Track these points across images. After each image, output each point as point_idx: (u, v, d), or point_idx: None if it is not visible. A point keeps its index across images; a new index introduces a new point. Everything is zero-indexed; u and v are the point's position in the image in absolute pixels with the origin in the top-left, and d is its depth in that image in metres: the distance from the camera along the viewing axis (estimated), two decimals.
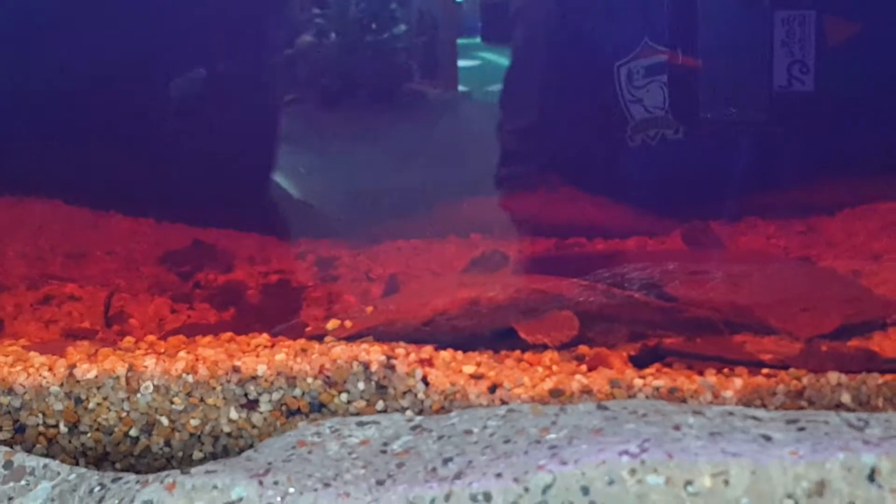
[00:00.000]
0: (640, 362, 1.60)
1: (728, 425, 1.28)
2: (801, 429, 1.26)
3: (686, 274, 1.80)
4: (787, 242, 2.09)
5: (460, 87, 2.25)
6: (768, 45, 1.97)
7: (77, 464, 1.54)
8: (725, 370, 1.55)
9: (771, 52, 1.97)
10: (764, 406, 1.49)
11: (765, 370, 1.54)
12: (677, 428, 1.27)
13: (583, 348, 1.65)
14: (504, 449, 1.28)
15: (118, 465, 1.55)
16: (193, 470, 1.29)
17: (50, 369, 1.55)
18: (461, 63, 2.22)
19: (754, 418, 1.30)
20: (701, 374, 1.53)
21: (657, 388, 1.49)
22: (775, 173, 2.12)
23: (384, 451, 1.33)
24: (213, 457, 1.54)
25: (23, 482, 1.35)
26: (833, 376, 1.50)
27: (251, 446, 1.51)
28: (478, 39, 2.21)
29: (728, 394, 1.49)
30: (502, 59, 2.21)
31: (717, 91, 2.00)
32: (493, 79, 2.21)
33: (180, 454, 1.55)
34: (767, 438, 1.24)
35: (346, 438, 1.37)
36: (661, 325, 1.71)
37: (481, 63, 2.21)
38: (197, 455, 1.54)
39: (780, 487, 1.18)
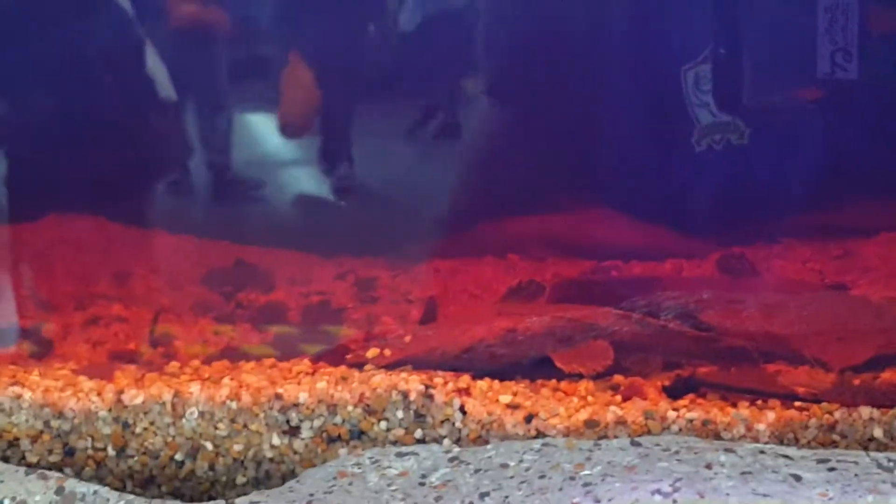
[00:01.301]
0: (673, 393, 1.63)
1: (759, 464, 1.30)
2: (832, 469, 1.29)
3: (721, 302, 1.82)
4: (822, 267, 2.10)
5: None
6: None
7: (124, 486, 1.59)
8: (759, 402, 1.58)
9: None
10: (796, 440, 1.52)
11: (797, 403, 1.56)
12: (709, 467, 1.29)
13: (618, 378, 1.67)
14: (539, 484, 1.31)
15: (164, 489, 1.59)
16: (238, 500, 1.33)
17: (98, 394, 1.59)
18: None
19: (785, 457, 1.33)
20: (734, 406, 1.56)
21: (691, 420, 1.52)
22: (816, 190, 2.12)
23: (423, 484, 1.37)
24: (256, 481, 1.58)
25: None
26: (865, 411, 1.52)
27: (293, 472, 1.55)
28: None
29: (761, 427, 1.51)
30: None
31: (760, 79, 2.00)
32: None
33: (224, 478, 1.59)
34: (798, 479, 1.26)
35: (385, 470, 1.41)
36: (696, 354, 1.74)
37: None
38: (240, 479, 1.58)
39: None
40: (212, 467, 1.58)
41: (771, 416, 1.52)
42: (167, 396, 1.57)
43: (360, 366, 1.67)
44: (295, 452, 1.57)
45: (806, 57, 1.98)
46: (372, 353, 1.71)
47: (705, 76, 2.00)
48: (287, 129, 2.15)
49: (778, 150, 2.07)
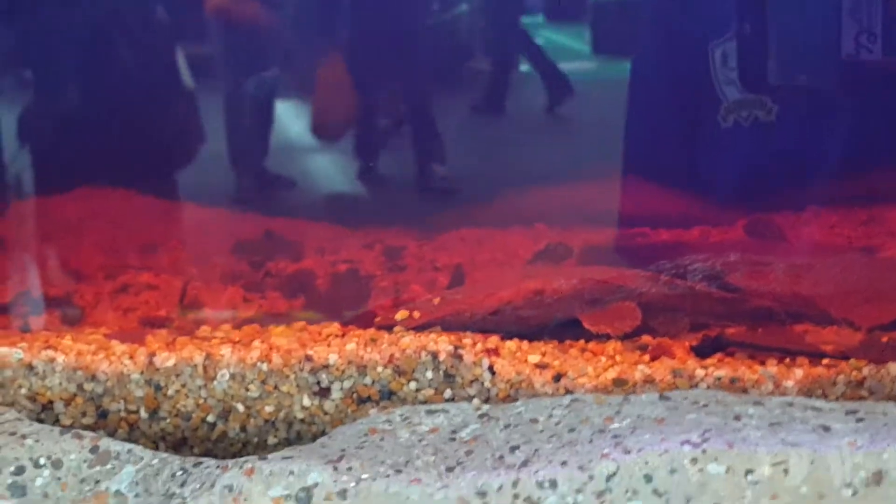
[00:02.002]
0: (701, 352, 1.63)
1: (788, 416, 1.31)
2: (860, 419, 1.29)
3: (748, 264, 1.83)
4: (849, 232, 2.10)
5: (522, 67, 2.25)
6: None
7: (157, 448, 1.60)
8: (787, 360, 1.58)
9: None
10: (825, 396, 1.52)
11: (825, 360, 1.57)
12: (738, 418, 1.30)
13: (645, 338, 1.68)
14: (569, 437, 1.32)
15: (196, 450, 1.61)
16: (270, 456, 1.34)
17: (131, 357, 1.61)
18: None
19: (814, 409, 1.33)
20: (762, 364, 1.57)
21: (718, 378, 1.53)
22: (842, 158, 2.13)
23: (453, 439, 1.38)
24: (287, 442, 1.59)
25: (108, 466, 1.40)
26: (893, 367, 1.52)
27: (323, 432, 1.56)
28: (540, 17, 2.21)
29: (789, 384, 1.52)
30: (564, 39, 2.22)
31: (785, 59, 2.00)
32: (559, 59, 2.21)
33: (255, 439, 1.60)
34: (826, 429, 1.27)
35: (415, 426, 1.42)
36: (723, 315, 1.74)
37: (544, 43, 2.22)
38: (271, 440, 1.59)
39: (838, 477, 1.21)
40: (243, 428, 1.60)
41: (799, 373, 1.53)
42: (199, 359, 1.59)
43: (389, 328, 1.68)
44: (325, 413, 1.58)
45: (831, 38, 1.99)
46: (401, 315, 1.72)
47: (733, 53, 2.01)
48: (320, 131, 2.18)
49: (804, 124, 2.08)
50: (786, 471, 1.21)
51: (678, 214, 2.16)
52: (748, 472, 1.22)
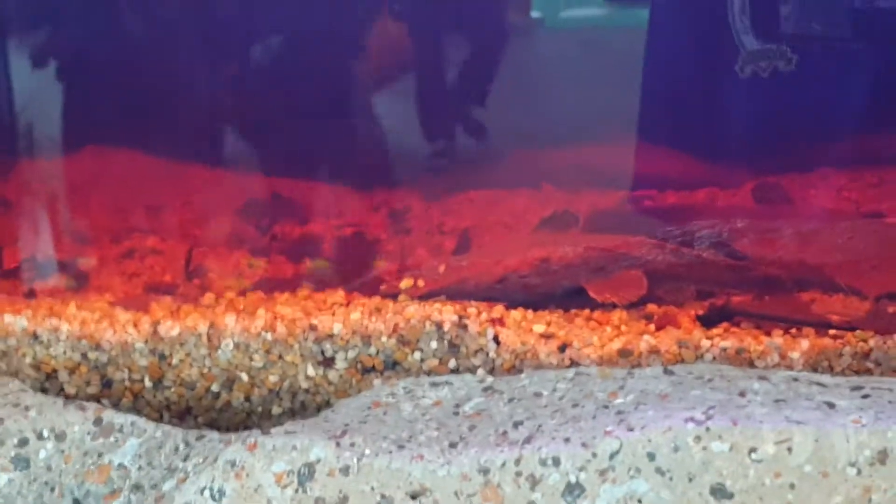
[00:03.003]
0: (707, 321, 1.63)
1: (793, 392, 1.30)
2: (866, 396, 1.29)
3: (755, 231, 1.81)
4: (858, 195, 2.08)
5: (532, 13, 2.22)
6: None
7: (161, 417, 1.61)
8: (793, 331, 1.58)
9: None
10: (831, 367, 1.52)
11: (832, 331, 1.56)
12: (742, 394, 1.29)
13: (651, 307, 1.67)
14: (573, 413, 1.32)
15: (200, 419, 1.61)
16: (273, 430, 1.34)
17: (135, 326, 1.60)
18: None
19: (819, 384, 1.33)
20: (768, 334, 1.56)
21: (724, 349, 1.52)
22: (852, 117, 2.10)
23: (456, 413, 1.38)
24: (292, 412, 1.59)
25: (111, 438, 1.40)
26: None
27: (328, 402, 1.57)
28: None
29: (795, 355, 1.51)
30: None
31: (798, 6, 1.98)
32: (571, 3, 2.16)
33: (260, 409, 1.60)
34: (831, 406, 1.26)
35: (419, 399, 1.42)
36: (730, 283, 1.73)
37: None
38: (276, 410, 1.60)
39: (842, 455, 1.20)
40: (247, 398, 1.60)
41: (805, 344, 1.52)
42: (203, 328, 1.59)
43: (393, 296, 1.68)
44: (330, 383, 1.58)
45: None
46: (406, 283, 1.71)
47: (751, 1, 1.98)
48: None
49: (814, 79, 2.05)
50: (790, 449, 1.21)
51: (687, 175, 2.14)
52: (752, 450, 1.21)
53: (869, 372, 1.51)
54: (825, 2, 1.99)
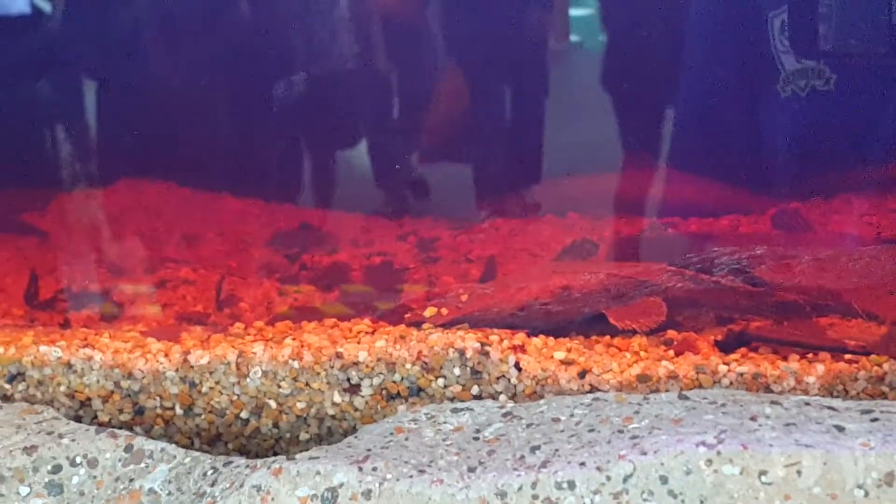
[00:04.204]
0: (725, 347, 1.66)
1: (804, 416, 1.33)
2: (875, 419, 1.31)
3: (774, 258, 1.84)
4: (879, 220, 2.10)
5: (572, 38, 2.22)
6: None
7: (192, 444, 1.65)
8: (809, 355, 1.60)
9: None
10: (846, 391, 1.54)
11: (847, 356, 1.58)
12: (754, 419, 1.33)
13: (671, 333, 1.70)
14: (589, 438, 1.35)
15: (230, 445, 1.65)
16: (298, 456, 1.38)
17: (166, 355, 1.65)
18: (573, 12, 2.17)
19: (830, 408, 1.36)
20: (785, 359, 1.59)
21: (741, 374, 1.55)
22: (876, 144, 2.12)
23: (476, 438, 1.41)
24: (319, 438, 1.63)
25: (142, 465, 1.45)
26: None
27: (354, 428, 1.61)
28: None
29: (810, 379, 1.54)
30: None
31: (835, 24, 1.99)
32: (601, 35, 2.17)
33: (288, 435, 1.64)
34: (841, 429, 1.29)
35: (441, 425, 1.45)
36: (748, 309, 1.76)
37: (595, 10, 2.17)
38: (303, 436, 1.63)
39: (850, 478, 1.23)
40: (276, 424, 1.64)
41: (820, 368, 1.55)
42: (232, 357, 1.63)
43: (418, 325, 1.72)
44: (356, 409, 1.62)
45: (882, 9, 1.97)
46: (429, 312, 1.75)
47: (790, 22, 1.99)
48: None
49: (838, 102, 2.07)
50: (799, 472, 1.24)
51: (709, 203, 2.17)
52: (762, 473, 1.24)
53: (884, 395, 1.54)
54: (856, 23, 2.01)
